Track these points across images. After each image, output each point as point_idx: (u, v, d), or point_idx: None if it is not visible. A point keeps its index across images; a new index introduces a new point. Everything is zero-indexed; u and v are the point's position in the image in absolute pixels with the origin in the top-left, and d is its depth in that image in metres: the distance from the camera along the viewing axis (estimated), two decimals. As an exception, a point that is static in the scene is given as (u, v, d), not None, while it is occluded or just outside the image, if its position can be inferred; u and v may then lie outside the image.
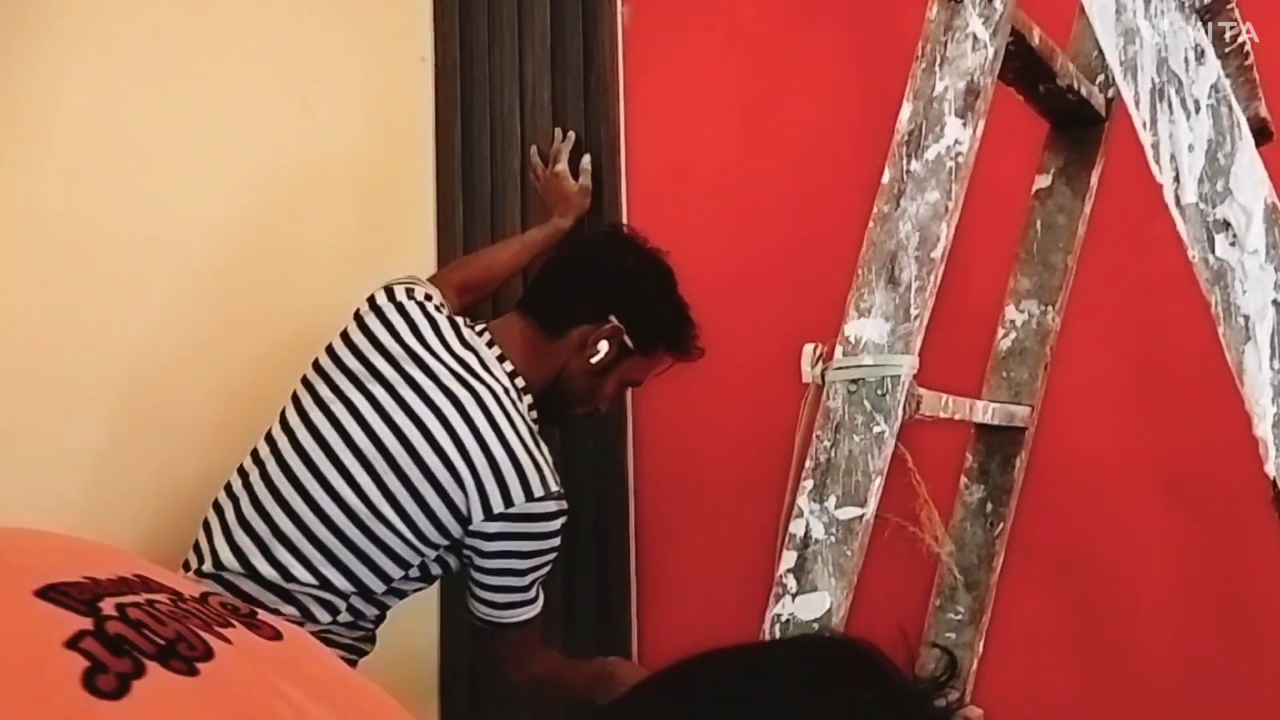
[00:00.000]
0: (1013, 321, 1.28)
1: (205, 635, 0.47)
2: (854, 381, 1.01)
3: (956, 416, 1.12)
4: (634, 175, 1.81)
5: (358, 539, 1.29)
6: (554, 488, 1.33)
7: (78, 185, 1.36)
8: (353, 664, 1.35)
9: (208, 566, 1.31)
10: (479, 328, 1.45)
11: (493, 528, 1.29)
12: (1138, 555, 1.42)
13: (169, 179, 1.48)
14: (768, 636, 1.01)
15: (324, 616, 1.30)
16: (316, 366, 1.40)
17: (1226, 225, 0.81)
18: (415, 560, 1.31)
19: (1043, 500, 1.33)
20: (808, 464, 1.02)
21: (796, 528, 1.02)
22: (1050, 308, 1.26)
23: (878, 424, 1.00)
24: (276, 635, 0.52)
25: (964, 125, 0.96)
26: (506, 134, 1.88)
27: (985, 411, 1.19)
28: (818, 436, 1.02)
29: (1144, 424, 1.43)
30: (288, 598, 1.29)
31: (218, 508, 1.36)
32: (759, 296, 1.69)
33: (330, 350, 1.41)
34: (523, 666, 1.41)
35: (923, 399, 1.02)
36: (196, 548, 1.35)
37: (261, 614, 0.54)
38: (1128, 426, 1.43)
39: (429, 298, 1.45)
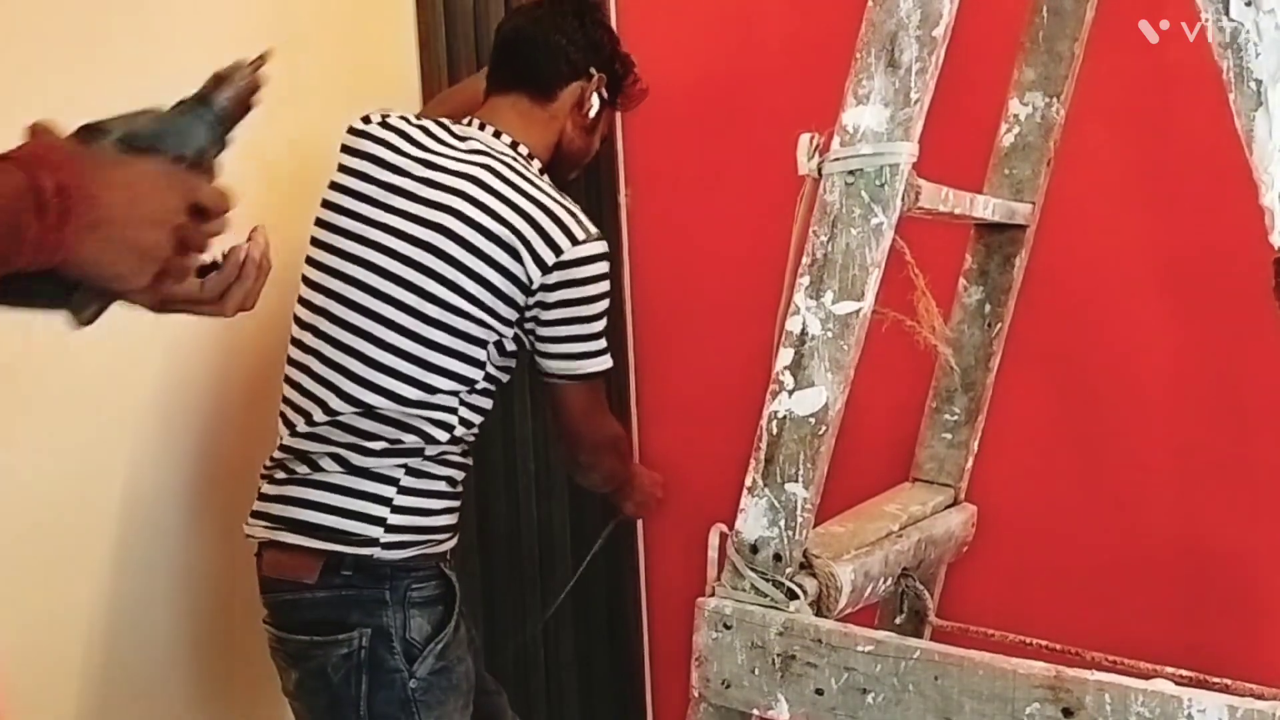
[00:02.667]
0: (1016, 115, 1.24)
1: None
2: (852, 172, 0.98)
3: (957, 211, 1.10)
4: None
5: (443, 339, 1.33)
6: (592, 230, 1.37)
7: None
8: (462, 482, 1.43)
9: (320, 416, 1.35)
10: (466, 120, 1.46)
11: (552, 279, 1.33)
12: (1136, 353, 1.42)
13: (145, 16, 1.43)
14: (765, 434, 1.01)
15: (442, 435, 1.35)
16: (330, 206, 1.41)
17: (1244, -17, 0.77)
18: (492, 338, 1.35)
19: (1041, 300, 1.31)
20: (804, 260, 1.00)
21: (793, 324, 1.01)
22: (1055, 100, 1.22)
23: (876, 215, 0.97)
24: None
25: (969, -109, 0.90)
26: (487, -55, 1.78)
27: (986, 207, 1.16)
28: (814, 231, 1.00)
29: (1145, 220, 1.40)
30: (405, 427, 1.34)
31: (297, 364, 1.39)
32: (756, 91, 1.64)
33: (337, 186, 1.41)
34: (597, 425, 1.46)
35: (922, 190, 1.00)
36: (295, 404, 1.38)
37: None
38: (1128, 223, 1.41)
39: (403, 116, 1.46)
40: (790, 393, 1.00)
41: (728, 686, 1.00)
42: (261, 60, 0.79)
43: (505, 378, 1.42)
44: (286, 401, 1.40)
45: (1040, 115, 1.23)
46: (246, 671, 1.54)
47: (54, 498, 1.37)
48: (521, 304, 1.34)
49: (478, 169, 1.36)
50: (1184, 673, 0.94)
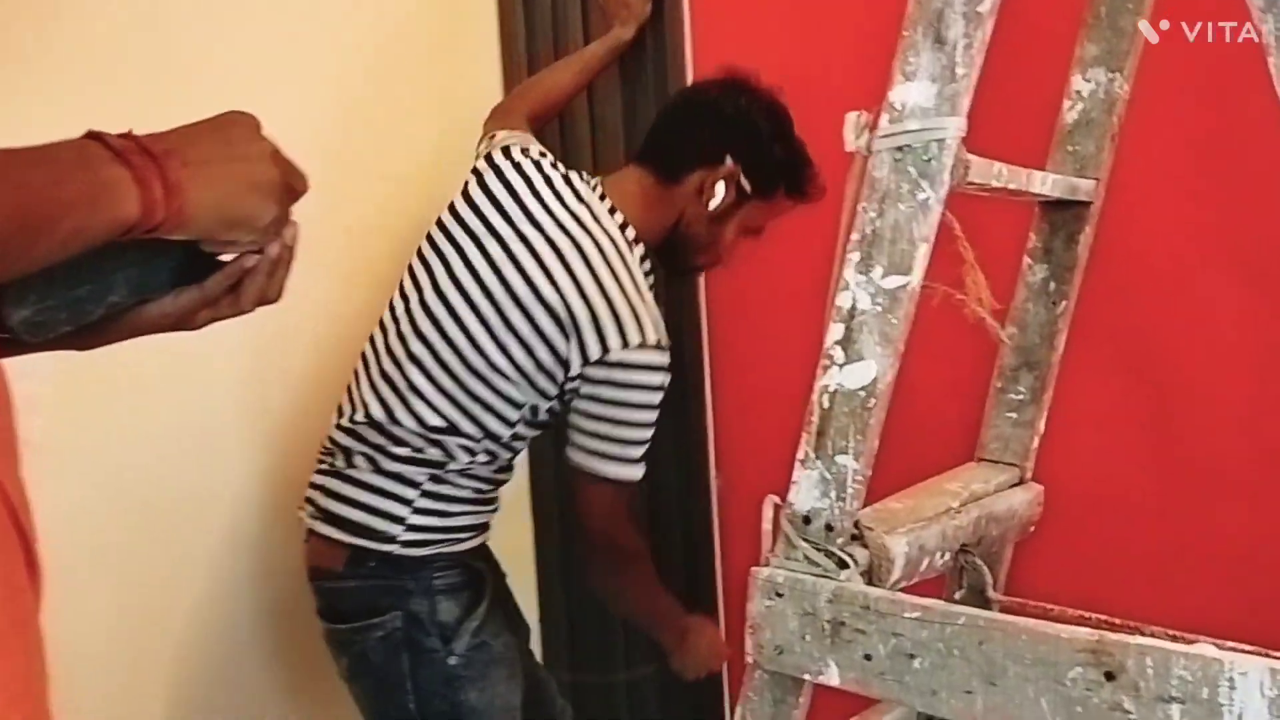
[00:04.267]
0: (1079, 92, 1.23)
1: None
2: (899, 148, 1.00)
3: (1012, 186, 1.10)
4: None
5: (476, 387, 1.37)
6: (652, 338, 1.33)
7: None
8: (494, 490, 1.47)
9: (359, 416, 1.43)
10: (593, 182, 1.46)
11: (594, 374, 1.33)
12: (1207, 333, 1.39)
13: (236, 34, 1.51)
14: (817, 408, 1.03)
15: (463, 458, 1.41)
16: (440, 224, 1.47)
17: (1283, -55, 0.77)
18: (526, 402, 1.38)
19: (1109, 279, 1.30)
20: (853, 236, 1.02)
21: (843, 300, 1.03)
22: (1118, 75, 1.21)
23: (923, 190, 0.99)
24: None
25: None
26: (565, -57, 1.83)
27: (1044, 182, 1.16)
28: (863, 207, 1.02)
29: (1215, 196, 1.37)
30: (431, 441, 1.40)
31: (364, 360, 1.47)
32: (820, 80, 1.66)
33: (453, 208, 1.46)
34: (606, 528, 1.39)
35: (971, 165, 1.01)
36: (350, 396, 1.46)
37: None
38: (1199, 199, 1.38)
39: (543, 154, 1.49)
40: (840, 366, 1.03)
41: (780, 653, 1.03)
42: None
43: (532, 434, 1.44)
44: (347, 389, 1.47)
45: (1104, 91, 1.22)
46: (320, 661, 1.60)
47: (138, 491, 1.43)
48: (560, 380, 1.35)
49: (567, 242, 1.36)
50: (1233, 644, 0.93)
